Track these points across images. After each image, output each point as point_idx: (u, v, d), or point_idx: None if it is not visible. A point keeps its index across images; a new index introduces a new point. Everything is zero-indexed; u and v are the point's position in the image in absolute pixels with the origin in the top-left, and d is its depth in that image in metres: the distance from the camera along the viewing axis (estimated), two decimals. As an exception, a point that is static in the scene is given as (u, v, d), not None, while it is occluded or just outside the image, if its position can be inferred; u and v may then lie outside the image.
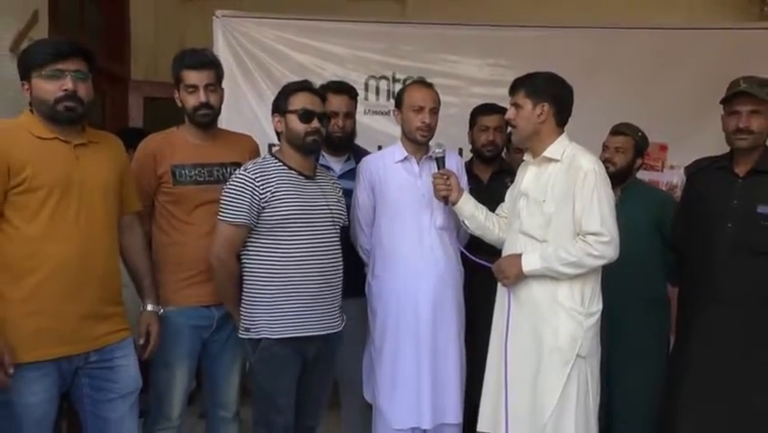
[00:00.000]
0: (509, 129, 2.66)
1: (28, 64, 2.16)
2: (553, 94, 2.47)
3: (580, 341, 2.36)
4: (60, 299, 2.14)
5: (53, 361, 2.15)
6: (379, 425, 2.82)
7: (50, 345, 2.13)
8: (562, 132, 2.50)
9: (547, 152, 2.46)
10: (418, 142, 2.79)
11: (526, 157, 2.57)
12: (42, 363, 2.13)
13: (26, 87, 2.19)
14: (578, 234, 2.38)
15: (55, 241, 2.13)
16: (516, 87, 2.52)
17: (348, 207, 2.84)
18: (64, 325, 2.15)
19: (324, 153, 3.07)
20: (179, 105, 2.61)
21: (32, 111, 2.22)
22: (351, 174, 3.00)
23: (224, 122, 3.58)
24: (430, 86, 2.83)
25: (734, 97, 2.60)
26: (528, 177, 2.52)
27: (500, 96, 3.25)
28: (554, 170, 2.44)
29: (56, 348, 2.15)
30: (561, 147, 2.45)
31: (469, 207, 2.66)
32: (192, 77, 2.54)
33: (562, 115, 2.49)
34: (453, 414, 2.79)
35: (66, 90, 2.13)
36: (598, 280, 2.45)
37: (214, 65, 2.60)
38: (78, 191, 2.17)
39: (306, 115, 2.47)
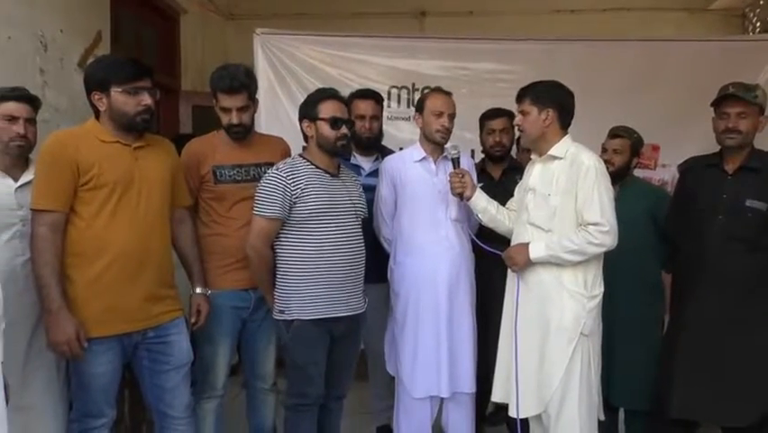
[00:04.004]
0: (518, 133, 2.62)
1: (108, 79, 2.17)
2: (556, 100, 2.43)
3: (583, 321, 2.33)
4: (123, 282, 2.16)
5: (117, 336, 2.18)
6: (402, 394, 2.80)
7: (114, 323, 2.16)
8: (566, 133, 2.47)
9: (552, 151, 2.43)
10: (437, 143, 2.76)
11: (533, 156, 2.54)
12: (107, 339, 2.16)
13: (98, 96, 2.19)
14: (580, 225, 2.34)
15: (118, 231, 2.15)
16: (521, 95, 2.48)
17: (372, 201, 2.82)
18: (126, 305, 2.17)
19: (354, 153, 3.06)
20: (218, 114, 2.60)
21: (97, 118, 2.23)
22: (379, 172, 2.97)
23: (262, 126, 3.61)
24: (449, 94, 2.80)
25: (723, 100, 2.54)
26: (535, 173, 2.49)
27: (509, 102, 3.23)
28: (558, 166, 2.41)
29: (119, 325, 2.17)
30: (565, 146, 2.42)
31: (481, 202, 2.64)
32: (225, 100, 2.52)
33: (565, 118, 2.45)
34: (468, 384, 2.76)
35: (146, 105, 2.18)
36: (599, 266, 2.42)
37: (245, 87, 2.52)
38: (138, 187, 2.20)
39: (335, 123, 2.46)
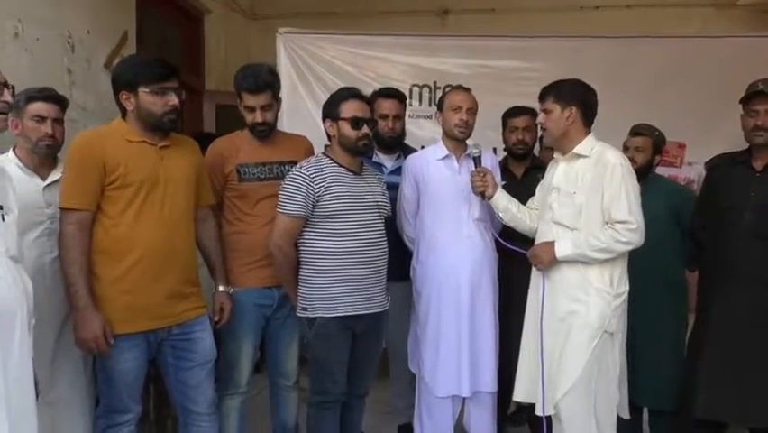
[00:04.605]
0: (541, 131, 2.59)
1: (136, 79, 2.19)
2: (578, 98, 2.41)
3: (607, 319, 2.31)
4: (148, 280, 2.18)
5: (142, 333, 2.20)
6: (424, 393, 2.79)
7: (139, 320, 2.18)
8: (589, 131, 2.44)
9: (577, 149, 2.40)
10: (457, 138, 2.74)
11: (556, 155, 2.52)
12: (133, 335, 2.18)
13: (125, 96, 2.21)
14: (606, 223, 2.32)
15: (143, 229, 2.16)
16: (544, 94, 2.47)
17: (394, 200, 2.81)
18: (151, 302, 2.19)
19: (376, 152, 3.05)
20: (242, 113, 2.60)
21: (123, 118, 2.25)
22: (401, 171, 2.96)
23: (285, 125, 3.62)
24: (468, 90, 2.79)
25: (753, 97, 2.50)
26: (559, 172, 2.46)
27: (532, 100, 3.19)
28: (583, 164, 2.38)
29: (144, 322, 2.19)
30: (589, 144, 2.40)
31: (503, 201, 2.62)
32: (249, 99, 2.52)
33: (588, 116, 2.43)
34: (489, 383, 2.75)
35: (172, 105, 2.20)
36: (625, 264, 2.39)
37: (269, 86, 2.53)
38: (163, 186, 2.21)
39: (356, 123, 2.45)
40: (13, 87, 1.79)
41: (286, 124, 3.71)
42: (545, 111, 2.44)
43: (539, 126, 2.57)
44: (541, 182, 2.63)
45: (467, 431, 2.84)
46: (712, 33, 4.37)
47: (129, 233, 2.15)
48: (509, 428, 3.28)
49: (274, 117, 2.60)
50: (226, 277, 2.53)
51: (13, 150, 2.36)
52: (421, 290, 2.78)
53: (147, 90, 2.17)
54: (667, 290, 2.84)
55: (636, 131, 2.94)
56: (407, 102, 3.60)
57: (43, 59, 2.97)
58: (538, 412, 2.42)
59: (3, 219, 1.74)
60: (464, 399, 2.77)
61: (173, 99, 2.20)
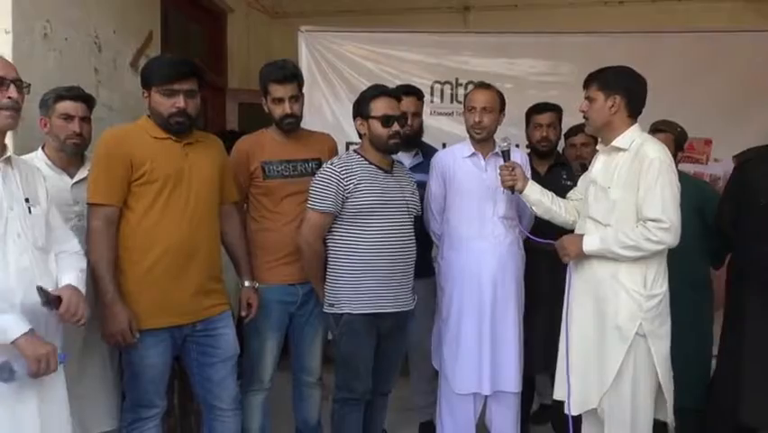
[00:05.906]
0: (584, 120, 2.44)
1: (149, 78, 2.21)
2: (624, 86, 2.28)
3: (639, 321, 2.21)
4: (172, 276, 2.19)
5: (167, 329, 2.21)
6: (445, 390, 2.77)
7: (165, 316, 2.19)
8: (635, 122, 2.32)
9: (615, 142, 2.29)
10: (474, 139, 2.71)
11: (599, 146, 2.41)
12: (159, 331, 2.19)
13: (145, 94, 2.24)
14: (639, 220, 2.21)
15: (168, 225, 2.18)
16: (589, 81, 2.35)
17: (421, 198, 2.80)
18: (176, 298, 2.20)
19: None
20: (267, 111, 2.60)
21: (149, 116, 2.27)
22: (419, 168, 2.96)
23: (306, 122, 3.61)
24: (488, 87, 2.73)
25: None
26: (598, 165, 2.37)
27: (555, 96, 3.15)
28: (621, 158, 2.27)
29: (170, 318, 2.21)
30: (631, 137, 2.28)
31: (534, 194, 2.53)
32: (278, 90, 2.51)
33: (634, 105, 2.30)
34: (512, 383, 2.71)
35: (178, 108, 2.18)
36: (662, 263, 2.28)
37: (296, 77, 2.54)
38: (188, 182, 2.22)
39: (387, 121, 2.44)
40: (29, 86, 1.80)
41: (306, 122, 3.70)
42: (588, 99, 2.33)
43: (582, 114, 2.41)
44: (584, 174, 2.55)
45: (489, 429, 2.82)
46: (740, 28, 4.27)
47: (153, 228, 2.16)
48: (532, 427, 3.25)
49: (301, 110, 2.59)
50: (252, 272, 2.53)
51: (42, 148, 2.39)
52: (444, 286, 2.76)
53: (156, 90, 2.18)
54: (692, 287, 2.77)
55: (657, 127, 2.87)
56: (429, 99, 3.58)
57: (71, 58, 3.00)
58: (566, 411, 2.36)
59: (29, 211, 1.77)
60: (487, 396, 2.74)
61: (180, 102, 2.17)
